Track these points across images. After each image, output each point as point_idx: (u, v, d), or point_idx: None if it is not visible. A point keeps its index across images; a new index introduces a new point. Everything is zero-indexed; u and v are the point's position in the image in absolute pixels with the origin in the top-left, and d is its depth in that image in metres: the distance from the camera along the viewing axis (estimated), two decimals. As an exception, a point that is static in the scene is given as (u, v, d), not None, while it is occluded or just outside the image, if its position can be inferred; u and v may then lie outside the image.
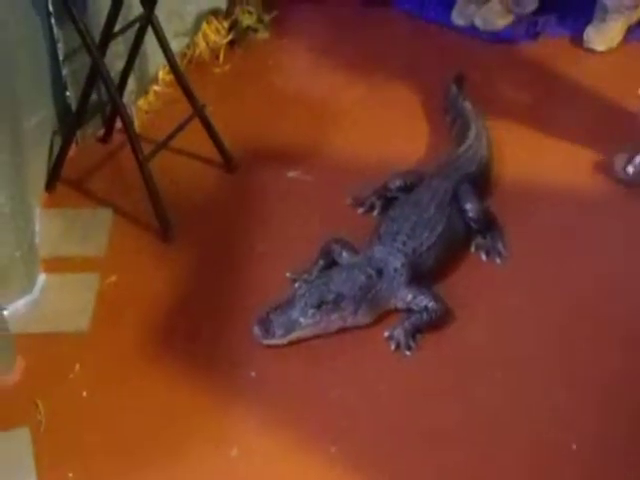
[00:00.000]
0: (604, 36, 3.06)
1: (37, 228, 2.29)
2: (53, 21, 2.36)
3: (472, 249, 2.29)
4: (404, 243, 2.12)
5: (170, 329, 2.07)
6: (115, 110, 2.44)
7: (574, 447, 1.80)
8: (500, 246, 2.29)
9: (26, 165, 2.20)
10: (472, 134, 2.51)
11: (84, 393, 1.96)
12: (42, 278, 2.19)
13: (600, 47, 3.08)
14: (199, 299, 2.16)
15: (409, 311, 2.08)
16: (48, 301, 2.14)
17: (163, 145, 2.42)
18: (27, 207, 2.19)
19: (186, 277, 2.20)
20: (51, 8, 2.32)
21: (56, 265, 2.24)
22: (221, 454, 1.82)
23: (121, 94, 2.48)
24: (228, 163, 2.53)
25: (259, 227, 2.36)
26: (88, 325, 2.10)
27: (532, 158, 2.60)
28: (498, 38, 3.20)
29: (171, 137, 2.43)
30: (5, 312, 2.05)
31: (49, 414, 1.91)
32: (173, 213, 2.32)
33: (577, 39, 3.13)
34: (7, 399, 1.93)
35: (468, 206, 2.27)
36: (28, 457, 1.79)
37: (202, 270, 2.24)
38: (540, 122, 2.75)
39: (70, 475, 1.79)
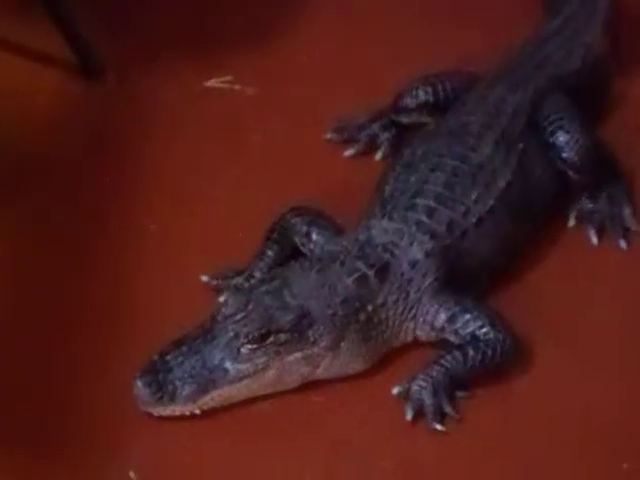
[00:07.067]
0: None
1: None
2: None
3: (570, 222, 1.64)
4: (430, 213, 1.51)
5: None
6: None
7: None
8: (626, 215, 1.62)
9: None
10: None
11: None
12: None
13: None
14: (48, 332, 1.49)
15: (442, 345, 1.50)
16: None
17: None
18: None
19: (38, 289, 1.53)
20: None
21: None
22: None
23: None
24: (87, 66, 1.91)
25: (148, 186, 1.72)
26: None
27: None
28: None
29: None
30: None
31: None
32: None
33: None
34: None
35: (562, 139, 1.63)
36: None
37: (48, 276, 1.56)
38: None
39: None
